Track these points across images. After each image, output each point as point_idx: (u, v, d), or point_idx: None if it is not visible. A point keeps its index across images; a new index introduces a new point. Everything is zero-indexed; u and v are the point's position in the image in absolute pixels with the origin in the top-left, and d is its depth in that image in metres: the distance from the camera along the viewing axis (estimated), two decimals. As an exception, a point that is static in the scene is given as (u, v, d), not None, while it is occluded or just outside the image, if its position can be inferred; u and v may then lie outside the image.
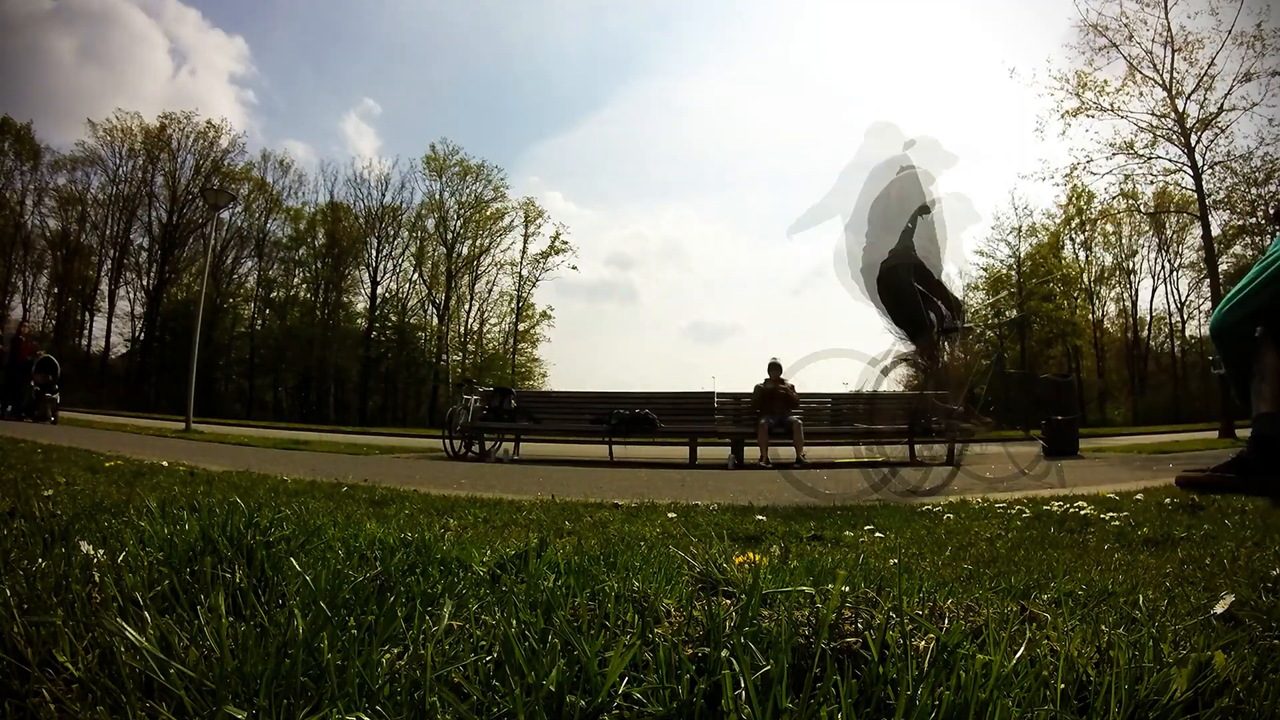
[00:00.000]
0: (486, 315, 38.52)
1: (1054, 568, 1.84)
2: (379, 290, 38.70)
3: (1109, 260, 36.17)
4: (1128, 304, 36.43)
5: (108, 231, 37.70)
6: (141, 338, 37.92)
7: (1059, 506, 3.07)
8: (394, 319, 38.54)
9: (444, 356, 36.99)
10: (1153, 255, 35.54)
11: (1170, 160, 15.06)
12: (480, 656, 0.83)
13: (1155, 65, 14.88)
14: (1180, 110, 14.74)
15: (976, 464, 6.07)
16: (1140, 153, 15.15)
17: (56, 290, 37.32)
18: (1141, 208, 19.29)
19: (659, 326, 53.83)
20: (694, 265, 53.59)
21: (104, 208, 37.46)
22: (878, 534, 2.51)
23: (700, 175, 56.32)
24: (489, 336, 38.61)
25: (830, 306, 52.84)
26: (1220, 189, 15.25)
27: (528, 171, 53.12)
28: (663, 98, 57.18)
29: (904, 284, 4.71)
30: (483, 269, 38.51)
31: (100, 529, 1.58)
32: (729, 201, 55.45)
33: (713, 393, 9.31)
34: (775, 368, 8.95)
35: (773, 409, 8.56)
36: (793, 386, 8.83)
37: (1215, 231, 18.60)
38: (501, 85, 54.50)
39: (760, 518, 2.83)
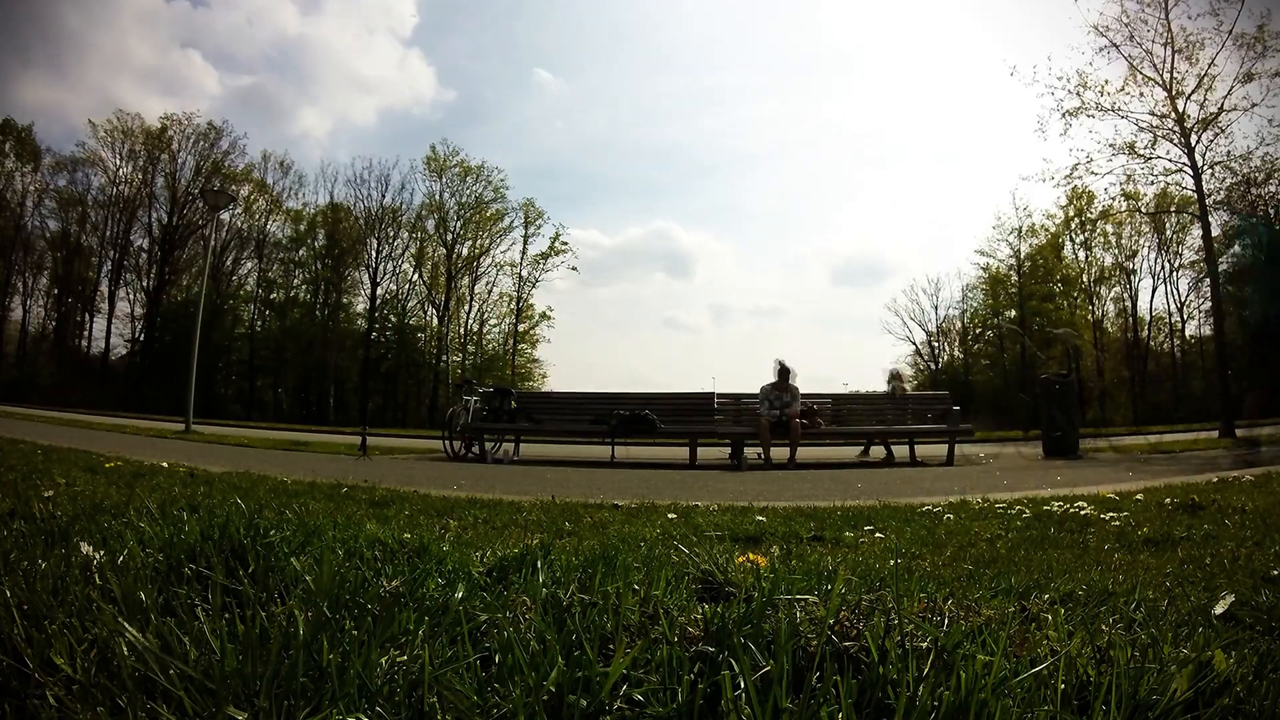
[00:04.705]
0: (486, 316, 38.51)
1: (1054, 568, 1.84)
2: (379, 291, 38.61)
3: (1109, 260, 36.11)
4: (1128, 304, 36.37)
5: (108, 233, 37.63)
6: (141, 339, 37.86)
7: (1059, 507, 3.07)
8: (394, 320, 38.48)
9: (444, 357, 36.96)
10: (1153, 255, 35.44)
11: (1170, 161, 15.03)
12: (481, 656, 0.83)
13: (1155, 65, 14.86)
14: (1180, 110, 14.71)
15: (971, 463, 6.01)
16: (1141, 153, 15.12)
17: (56, 291, 37.27)
18: (1142, 208, 19.23)
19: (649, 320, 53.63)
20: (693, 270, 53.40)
21: (104, 209, 37.40)
22: (877, 534, 2.51)
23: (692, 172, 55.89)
24: (489, 337, 38.59)
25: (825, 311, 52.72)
26: (1220, 189, 15.23)
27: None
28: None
29: None
30: (482, 270, 38.49)
31: (100, 530, 1.58)
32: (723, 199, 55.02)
33: (713, 393, 9.30)
34: (784, 371, 8.89)
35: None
36: (798, 389, 8.81)
37: (1215, 231, 18.57)
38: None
39: (760, 518, 2.83)
